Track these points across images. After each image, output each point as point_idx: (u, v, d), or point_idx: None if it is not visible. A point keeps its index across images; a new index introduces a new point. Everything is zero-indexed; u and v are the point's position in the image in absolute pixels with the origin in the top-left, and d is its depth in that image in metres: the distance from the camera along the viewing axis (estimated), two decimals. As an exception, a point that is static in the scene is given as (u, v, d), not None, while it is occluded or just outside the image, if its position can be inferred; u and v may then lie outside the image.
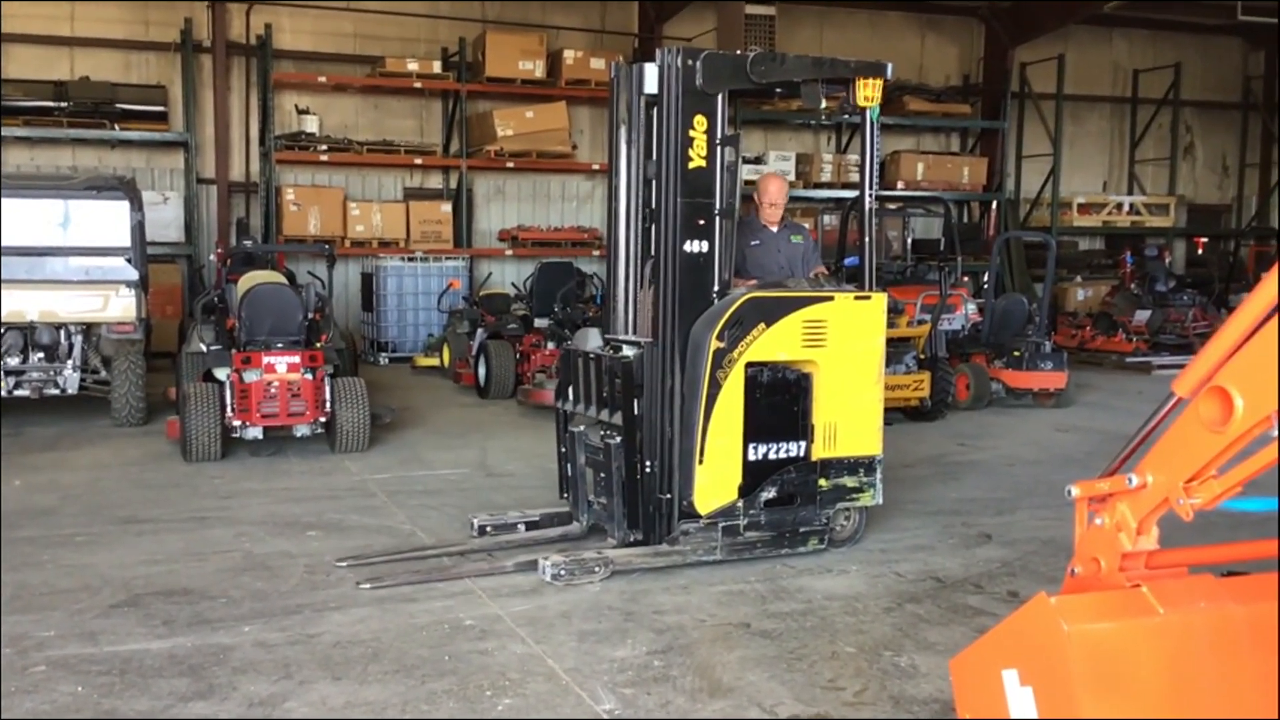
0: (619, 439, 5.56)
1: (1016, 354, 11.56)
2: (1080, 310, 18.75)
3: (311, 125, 16.37)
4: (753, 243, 6.75)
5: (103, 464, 8.33)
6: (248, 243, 14.18)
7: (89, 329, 10.05)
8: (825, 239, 13.42)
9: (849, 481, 5.90)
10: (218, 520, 6.59)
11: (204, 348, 9.16)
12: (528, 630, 4.72)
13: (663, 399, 5.50)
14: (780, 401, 5.69)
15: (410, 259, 16.10)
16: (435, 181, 17.67)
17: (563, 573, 5.33)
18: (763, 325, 5.54)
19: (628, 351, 5.68)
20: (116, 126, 15.27)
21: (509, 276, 16.83)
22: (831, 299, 5.81)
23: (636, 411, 5.49)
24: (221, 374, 8.63)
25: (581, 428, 6.02)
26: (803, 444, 5.76)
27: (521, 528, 6.19)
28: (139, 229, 10.03)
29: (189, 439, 8.18)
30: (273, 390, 8.42)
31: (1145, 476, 3.05)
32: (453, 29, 17.11)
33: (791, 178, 18.06)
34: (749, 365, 5.54)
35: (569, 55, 16.93)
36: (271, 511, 6.82)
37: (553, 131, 16.79)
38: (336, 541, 6.11)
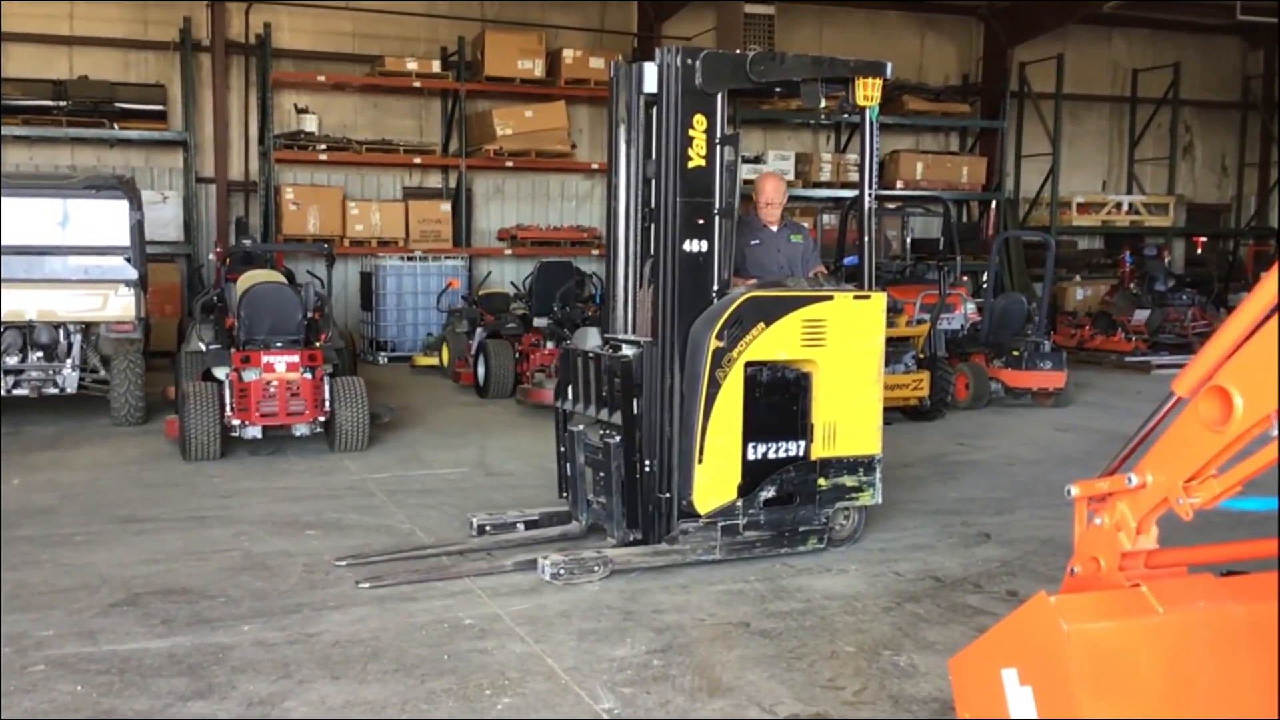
0: (618, 438, 5.56)
1: (1016, 353, 11.57)
2: (1079, 310, 18.75)
3: (311, 124, 16.38)
4: (752, 242, 6.75)
5: (102, 463, 8.32)
6: (247, 242, 14.19)
7: (88, 328, 10.05)
8: (824, 238, 13.42)
9: (848, 481, 5.90)
10: (217, 519, 6.59)
11: (203, 347, 9.15)
12: (527, 629, 4.72)
13: (662, 398, 5.50)
14: (779, 401, 5.69)
15: (409, 258, 16.10)
16: (434, 181, 17.67)
17: (562, 572, 5.33)
18: (762, 324, 5.54)
19: (627, 351, 5.68)
20: (115, 126, 15.27)
21: (508, 276, 16.82)
22: (831, 298, 5.81)
23: (636, 411, 5.49)
24: (220, 373, 8.63)
25: (581, 427, 6.02)
26: (802, 443, 5.76)
27: (521, 527, 6.19)
28: (138, 228, 10.03)
29: (188, 438, 8.18)
30: (272, 389, 8.42)
31: (1145, 476, 3.05)
32: (452, 28, 17.11)
33: (790, 177, 18.05)
34: (748, 364, 5.54)
35: (568, 54, 16.93)
36: (270, 511, 6.82)
37: (552, 131, 16.79)
38: (336, 541, 6.11)
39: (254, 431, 8.48)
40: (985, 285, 13.74)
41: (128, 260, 9.89)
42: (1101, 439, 9.55)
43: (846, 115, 6.34)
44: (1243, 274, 20.11)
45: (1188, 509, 2.97)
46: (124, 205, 9.93)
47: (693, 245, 5.54)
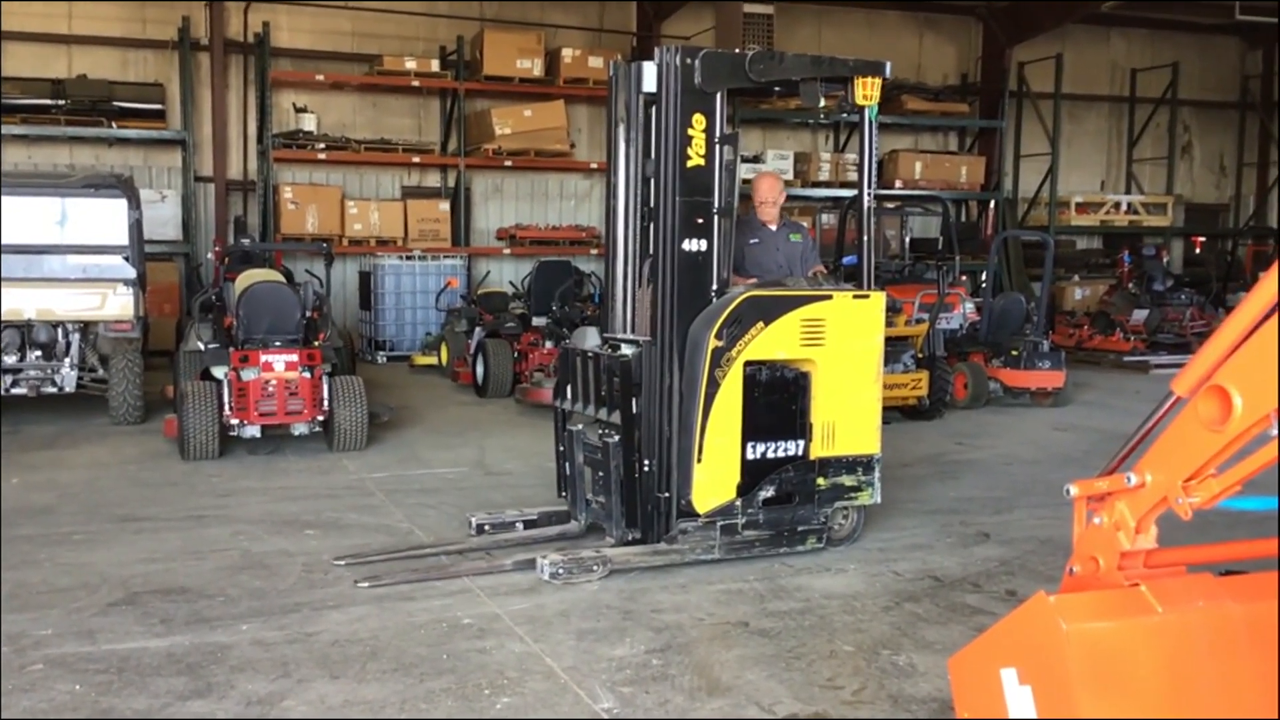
0: (617, 438, 5.56)
1: (1014, 353, 11.57)
2: (1078, 309, 18.76)
3: (309, 124, 16.36)
4: (751, 241, 6.75)
5: (100, 462, 8.32)
6: (245, 241, 14.20)
7: (86, 327, 10.05)
8: (823, 238, 13.42)
9: (847, 480, 5.90)
10: (215, 519, 6.59)
11: (202, 346, 9.14)
12: (526, 629, 4.71)
13: (661, 398, 5.50)
14: (778, 400, 5.69)
15: (408, 257, 16.09)
16: (433, 180, 17.66)
17: (561, 571, 5.33)
18: (761, 324, 5.54)
19: (626, 350, 5.68)
20: (114, 124, 15.26)
21: (507, 275, 16.83)
22: (830, 298, 5.81)
23: (635, 410, 5.49)
24: (219, 372, 8.62)
25: (580, 426, 6.02)
26: (801, 443, 5.76)
27: (519, 526, 6.19)
28: (136, 227, 10.02)
29: (187, 437, 8.17)
30: (270, 389, 8.42)
31: (1144, 475, 3.05)
32: (451, 27, 17.11)
33: (789, 176, 18.05)
34: (747, 364, 5.54)
35: (567, 54, 16.92)
36: (269, 510, 6.81)
37: (551, 130, 16.78)
38: (334, 540, 6.11)
39: (252, 431, 8.48)
40: (984, 285, 13.75)
41: (126, 259, 9.89)
42: (1100, 438, 9.56)
43: (845, 115, 6.35)
44: (1241, 274, 20.10)
45: (1187, 508, 2.97)
46: (122, 204, 9.93)
47: (692, 244, 5.54)
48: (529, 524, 6.22)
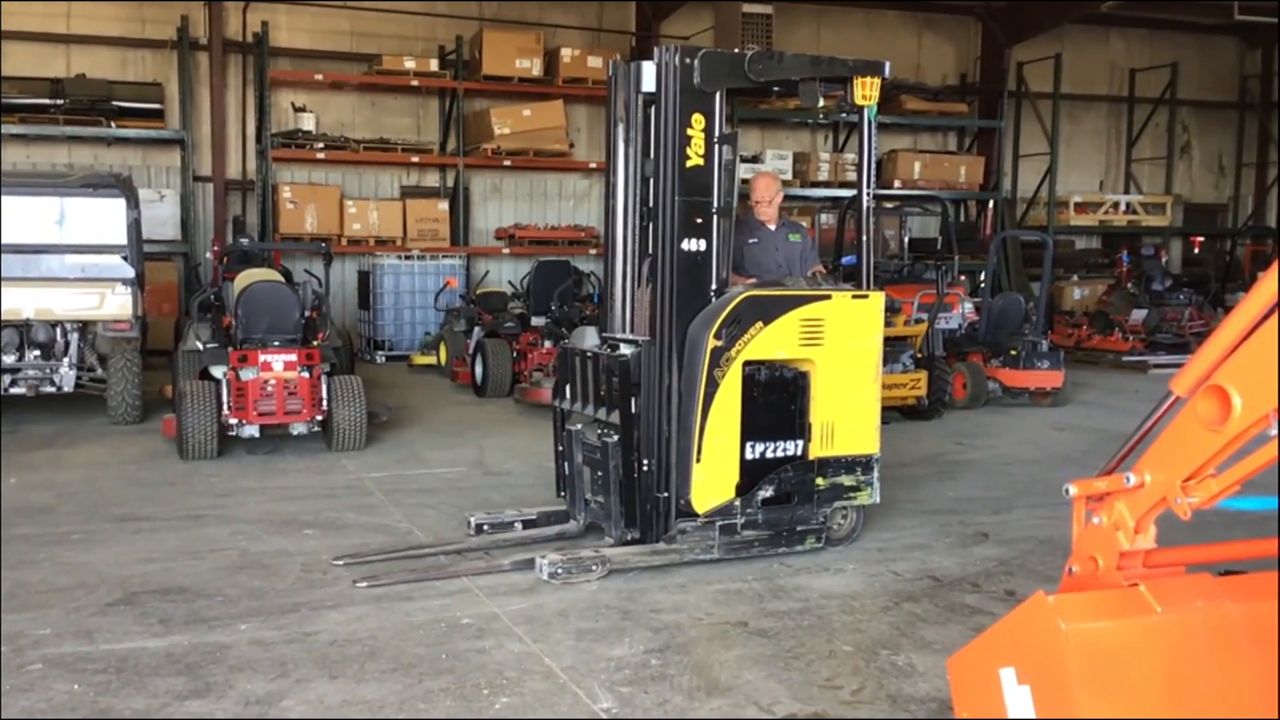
0: (616, 437, 5.56)
1: (1013, 353, 11.57)
2: (1077, 309, 18.77)
3: (308, 123, 16.37)
4: (750, 241, 6.75)
5: (99, 462, 8.32)
6: (244, 241, 14.21)
7: (85, 327, 10.04)
8: (823, 238, 13.44)
9: (846, 480, 5.90)
10: (214, 518, 6.58)
11: (200, 346, 9.14)
12: (525, 629, 4.71)
13: (660, 397, 5.49)
14: (777, 400, 5.69)
15: (407, 257, 16.09)
16: (432, 180, 17.66)
17: (560, 571, 5.32)
18: (760, 324, 5.54)
19: (625, 350, 5.68)
20: (113, 124, 15.26)
21: (506, 275, 16.82)
22: (829, 298, 5.81)
23: (634, 410, 5.49)
24: (218, 372, 8.62)
25: (579, 426, 6.02)
26: (800, 443, 5.76)
27: (518, 526, 6.19)
28: (135, 227, 10.02)
29: (185, 437, 8.17)
30: (269, 388, 8.41)
31: (1143, 475, 3.05)
32: (450, 27, 17.11)
33: (788, 176, 18.05)
34: (746, 364, 5.54)
35: (566, 54, 16.92)
36: (268, 510, 6.81)
37: (550, 130, 16.78)
38: (333, 540, 6.11)
39: (251, 430, 8.47)
40: (983, 285, 13.75)
41: (125, 259, 9.88)
42: (1099, 438, 9.56)
43: (845, 115, 6.35)
44: (1240, 274, 20.13)
45: (1186, 508, 2.97)
46: (121, 204, 9.92)
47: (691, 244, 5.54)
48: (528, 524, 6.22)
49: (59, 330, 9.92)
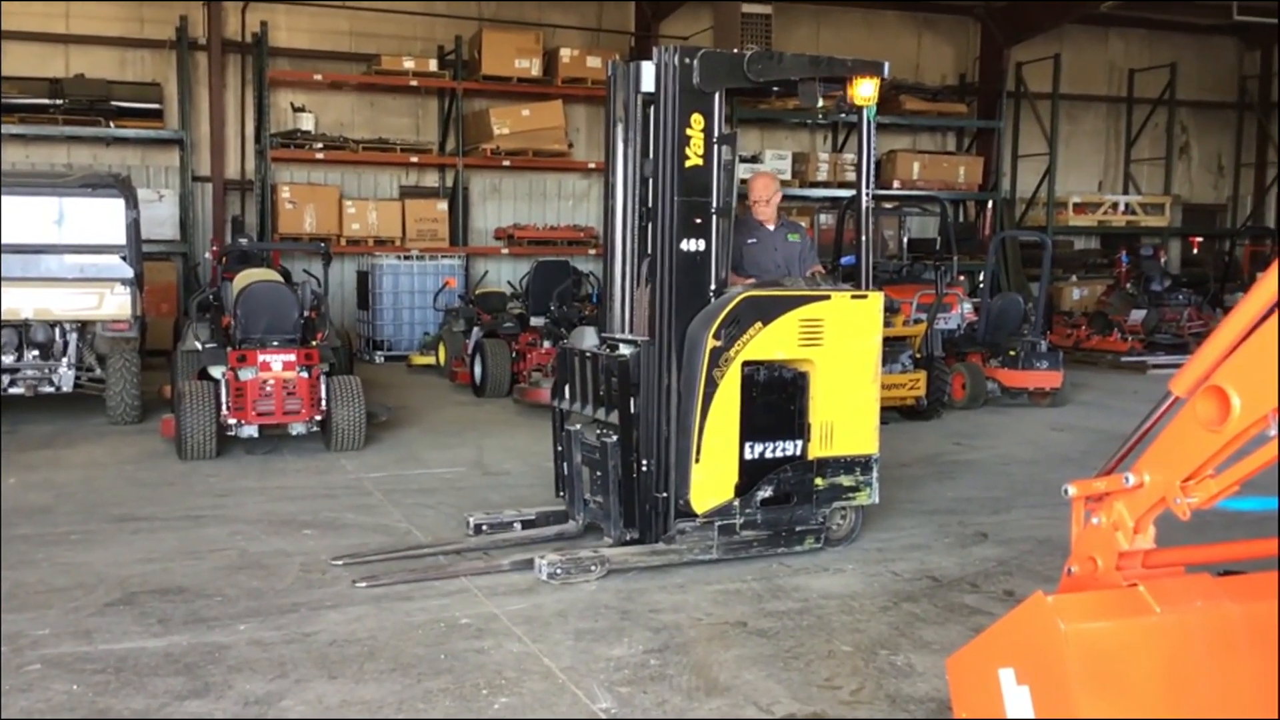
0: (615, 438, 5.56)
1: (1012, 353, 11.58)
2: (1076, 309, 18.77)
3: (307, 123, 16.36)
4: (749, 241, 6.76)
5: (98, 462, 8.31)
6: (243, 241, 14.21)
7: (84, 327, 10.04)
8: (822, 238, 13.45)
9: (845, 480, 5.90)
10: (213, 518, 6.58)
11: (199, 346, 9.14)
12: (524, 629, 4.71)
13: (659, 398, 5.49)
14: (777, 400, 5.69)
15: (406, 257, 16.09)
16: (431, 180, 17.66)
17: (559, 571, 5.32)
18: (759, 324, 5.54)
19: (624, 350, 5.68)
20: (111, 124, 15.25)
21: (505, 275, 16.82)
22: (828, 298, 5.81)
23: (633, 410, 5.49)
24: (217, 372, 8.62)
25: (578, 426, 6.02)
26: (799, 443, 5.76)
27: (517, 526, 6.19)
28: (134, 227, 10.01)
29: (184, 437, 8.16)
30: (268, 388, 8.41)
31: (1142, 475, 3.05)
32: (449, 27, 17.10)
33: (787, 177, 18.06)
34: (746, 364, 5.54)
35: (565, 54, 16.92)
36: (267, 510, 6.81)
37: (549, 130, 16.78)
38: (332, 540, 6.10)
39: (250, 430, 8.47)
40: (982, 285, 13.75)
41: (124, 259, 9.88)
42: (1098, 439, 9.57)
43: (844, 115, 6.35)
44: (1239, 274, 20.13)
45: (1185, 509, 2.97)
46: (120, 204, 9.92)
47: (690, 244, 5.54)
48: (527, 524, 6.22)
49: (58, 330, 9.92)
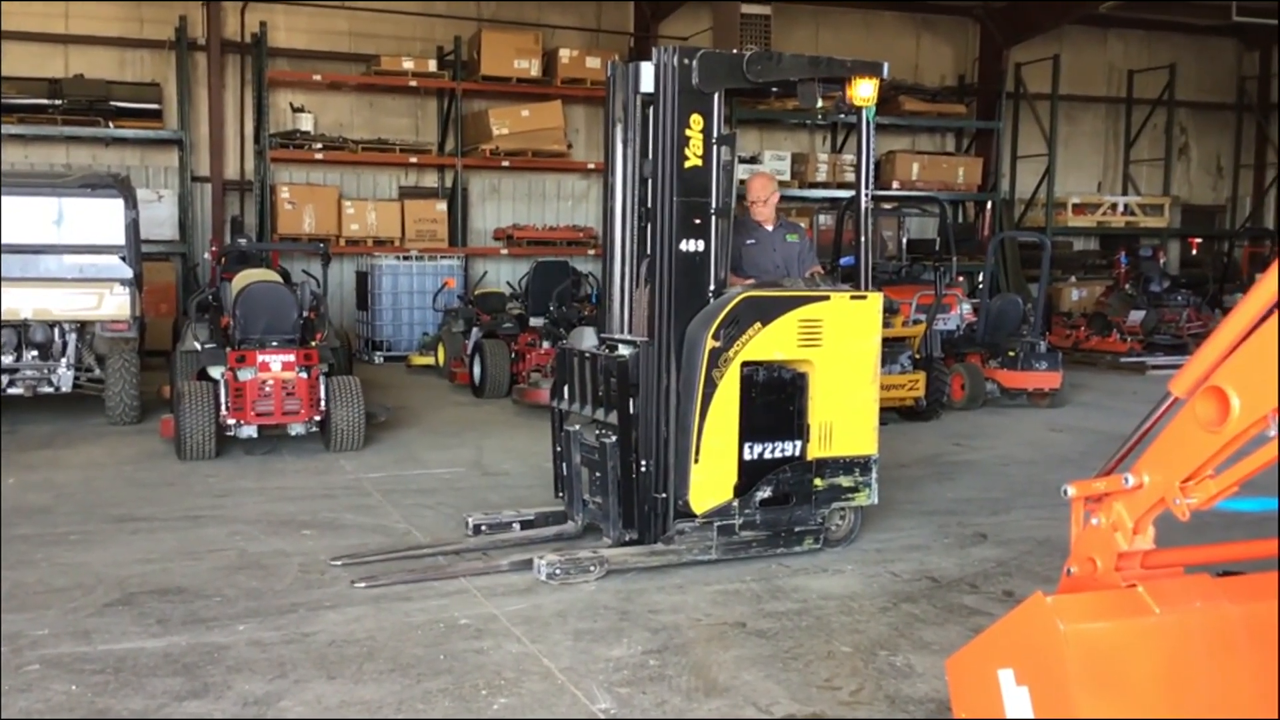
0: (614, 438, 5.56)
1: (1011, 354, 11.58)
2: (1075, 310, 18.77)
3: (306, 123, 16.36)
4: (748, 242, 6.76)
5: (97, 462, 8.31)
6: (242, 241, 14.20)
7: (83, 327, 10.04)
8: (821, 239, 13.45)
9: (844, 481, 5.90)
10: (212, 519, 6.58)
11: (198, 346, 9.14)
12: (523, 629, 4.71)
13: (658, 398, 5.49)
14: (776, 401, 5.69)
15: (405, 258, 16.09)
16: (430, 180, 17.66)
17: (558, 572, 5.32)
18: (758, 324, 5.54)
19: (623, 350, 5.68)
20: (111, 124, 15.26)
21: (504, 275, 16.83)
22: (827, 298, 5.81)
23: (632, 411, 5.49)
24: (216, 372, 8.61)
25: (577, 427, 6.02)
26: (798, 443, 5.76)
27: (516, 527, 6.19)
28: (133, 227, 10.01)
29: (183, 437, 8.16)
30: (267, 389, 8.41)
31: (1141, 476, 3.05)
32: (448, 27, 17.10)
33: (786, 177, 18.07)
34: (745, 364, 5.54)
35: (564, 54, 16.92)
36: (266, 510, 6.80)
37: (548, 130, 16.78)
38: (331, 540, 6.10)
39: (249, 431, 8.46)
40: (981, 286, 13.76)
41: (123, 259, 9.88)
42: (1097, 439, 9.57)
43: (843, 115, 6.34)
44: (1238, 275, 20.15)
45: (1184, 509, 2.97)
46: (119, 204, 9.92)
47: (689, 245, 5.54)
48: (526, 524, 6.22)
49: (57, 330, 9.92)
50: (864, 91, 5.83)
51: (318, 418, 8.63)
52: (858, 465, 5.91)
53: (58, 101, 14.94)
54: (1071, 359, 14.66)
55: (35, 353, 9.83)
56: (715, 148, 5.56)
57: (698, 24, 17.71)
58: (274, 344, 8.61)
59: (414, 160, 16.94)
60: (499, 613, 4.92)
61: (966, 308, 12.78)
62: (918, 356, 10.74)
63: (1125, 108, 21.94)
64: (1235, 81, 22.92)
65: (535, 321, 12.33)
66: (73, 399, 10.22)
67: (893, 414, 10.21)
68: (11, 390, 9.74)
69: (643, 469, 5.50)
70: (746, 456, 5.62)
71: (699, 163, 5.52)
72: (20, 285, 9.58)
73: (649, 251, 5.59)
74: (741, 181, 7.70)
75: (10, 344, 9.73)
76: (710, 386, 5.44)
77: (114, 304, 9.77)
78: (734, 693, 4.10)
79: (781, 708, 3.98)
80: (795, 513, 5.78)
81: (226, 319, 9.26)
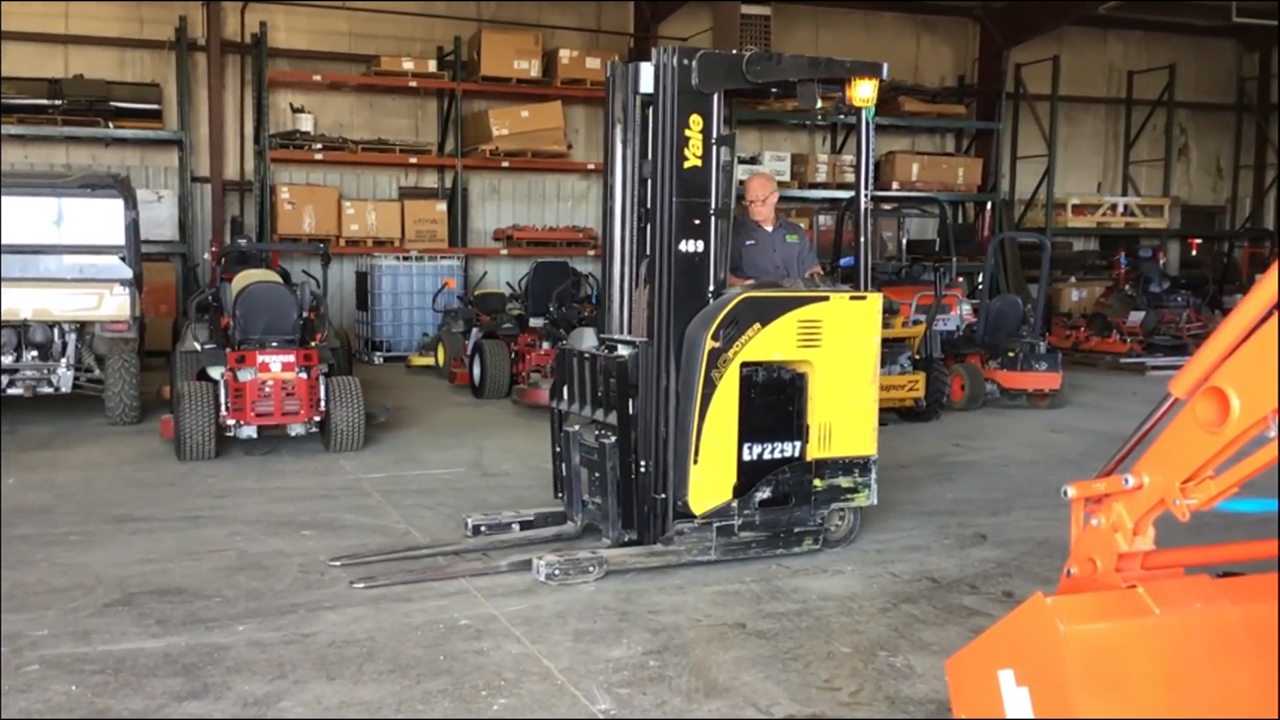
0: (614, 439, 5.56)
1: (1011, 355, 11.58)
2: (1074, 311, 18.77)
3: (306, 124, 16.37)
4: (748, 242, 6.76)
5: (97, 463, 8.31)
6: (242, 241, 14.19)
7: (83, 327, 10.04)
8: (820, 239, 13.44)
9: (844, 482, 5.90)
10: (212, 519, 6.58)
11: (198, 346, 9.14)
12: (523, 630, 4.71)
13: (658, 399, 5.49)
14: (775, 401, 5.69)
15: (405, 258, 16.09)
16: (430, 181, 17.66)
17: (557, 572, 5.32)
18: (758, 325, 5.54)
19: (623, 351, 5.68)
20: (111, 124, 15.27)
21: (504, 276, 16.83)
22: (827, 299, 5.81)
23: (631, 411, 5.49)
24: (216, 373, 8.61)
25: (576, 427, 6.02)
26: (798, 444, 5.75)
27: (516, 527, 6.18)
28: (133, 227, 10.01)
29: (183, 438, 8.16)
30: (267, 389, 8.40)
31: (1141, 477, 3.05)
32: (448, 28, 17.11)
33: (786, 178, 18.07)
34: (744, 365, 5.54)
35: (564, 55, 16.93)
36: (266, 511, 6.80)
37: (548, 131, 16.79)
38: (331, 541, 6.10)
39: (249, 431, 8.46)
40: (981, 286, 13.76)
41: (123, 259, 9.88)
42: (1097, 440, 9.57)
43: (843, 116, 6.34)
44: (1238, 276, 20.15)
45: (1184, 510, 2.97)
46: (119, 204, 9.92)
47: (689, 245, 5.53)
48: (525, 525, 6.21)
49: (57, 331, 9.92)
50: (863, 92, 5.83)
51: (317, 418, 8.62)
52: (857, 466, 5.91)
53: (57, 102, 14.95)
54: (1071, 360, 14.66)
55: (35, 353, 9.83)
56: (715, 148, 5.56)
57: (697, 24, 17.71)
58: (274, 344, 8.61)
59: (414, 161, 16.95)
60: (499, 613, 4.92)
61: (966, 308, 12.78)
62: (917, 357, 10.74)
63: (1125, 108, 21.95)
64: (1235, 82, 22.93)
65: (535, 322, 12.33)
66: (72, 399, 10.21)
67: (892, 414, 10.21)
68: (11, 390, 9.74)
69: (642, 469, 5.50)
70: (746, 457, 5.62)
71: (698, 163, 5.52)
72: (20, 285, 9.58)
73: (648, 252, 5.59)
74: (741, 182, 7.71)
75: (10, 344, 9.73)
76: (709, 387, 5.44)
77: (114, 304, 9.77)
78: (734, 693, 4.10)
79: (781, 708, 3.98)
80: (795, 513, 5.78)
81: (226, 319, 9.26)
